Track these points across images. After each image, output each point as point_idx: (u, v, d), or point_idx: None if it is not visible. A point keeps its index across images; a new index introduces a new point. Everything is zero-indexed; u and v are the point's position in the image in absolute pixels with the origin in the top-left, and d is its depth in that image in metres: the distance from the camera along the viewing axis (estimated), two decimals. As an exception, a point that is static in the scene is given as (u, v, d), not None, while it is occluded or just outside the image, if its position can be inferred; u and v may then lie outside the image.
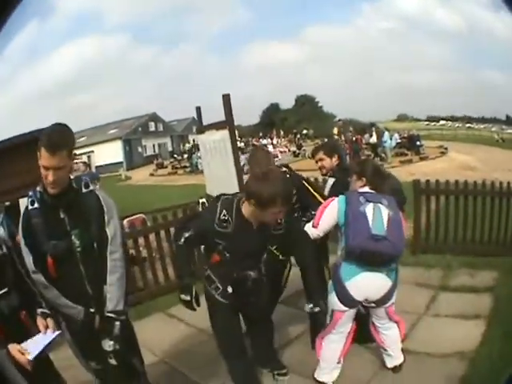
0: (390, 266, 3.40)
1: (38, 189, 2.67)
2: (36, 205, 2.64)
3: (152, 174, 31.27)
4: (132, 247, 5.70)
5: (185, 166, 31.38)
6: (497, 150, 26.74)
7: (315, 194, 3.94)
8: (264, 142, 38.61)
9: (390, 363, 3.81)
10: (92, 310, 2.73)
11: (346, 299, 3.41)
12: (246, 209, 2.96)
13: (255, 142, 38.07)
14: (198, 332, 4.77)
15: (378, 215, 3.29)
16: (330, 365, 3.68)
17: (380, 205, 3.33)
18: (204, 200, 7.59)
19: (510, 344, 3.86)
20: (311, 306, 3.24)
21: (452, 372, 3.71)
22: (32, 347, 2.25)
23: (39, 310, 2.45)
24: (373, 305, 3.51)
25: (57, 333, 2.42)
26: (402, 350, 3.84)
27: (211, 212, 3.03)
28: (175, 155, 36.41)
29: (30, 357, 2.19)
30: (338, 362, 3.70)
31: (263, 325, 3.64)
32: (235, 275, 3.09)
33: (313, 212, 3.71)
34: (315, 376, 3.72)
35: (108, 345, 2.65)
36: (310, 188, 3.97)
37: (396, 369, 3.79)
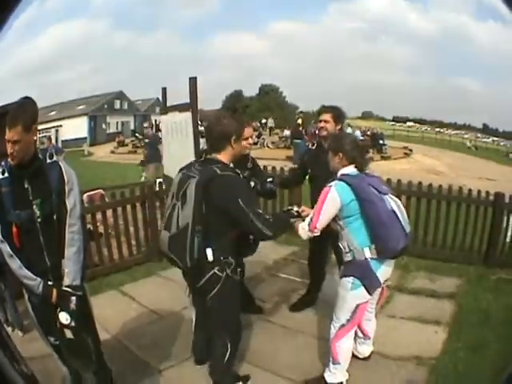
0: None
1: (8, 159, 2.72)
2: (6, 174, 2.71)
3: (113, 152, 30.87)
4: (90, 222, 5.70)
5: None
6: (467, 156, 26.36)
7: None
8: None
9: (368, 351, 3.87)
10: (50, 283, 2.76)
11: (375, 287, 3.37)
12: (223, 159, 3.08)
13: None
14: (149, 312, 4.83)
15: (401, 210, 3.26)
16: (348, 362, 3.55)
17: (392, 196, 3.30)
18: (161, 180, 7.67)
19: (476, 356, 3.85)
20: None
21: (408, 377, 3.70)
22: None
23: None
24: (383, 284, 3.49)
25: None
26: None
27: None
28: (136, 134, 36.04)
29: None
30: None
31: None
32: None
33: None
34: (329, 381, 3.53)
35: (65, 318, 2.70)
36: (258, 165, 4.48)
37: (369, 356, 3.89)
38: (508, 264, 6.16)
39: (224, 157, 3.07)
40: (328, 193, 3.21)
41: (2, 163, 2.74)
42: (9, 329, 4.11)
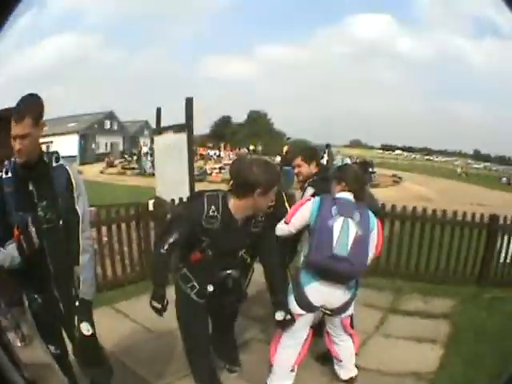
0: (347, 283, 3.38)
1: (13, 159, 2.62)
2: (9, 174, 2.60)
3: (102, 172, 30.80)
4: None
5: (133, 168, 31.18)
6: (457, 183, 26.59)
7: (288, 207, 3.83)
8: (212, 153, 38.82)
9: (345, 375, 3.79)
10: (55, 294, 2.69)
11: (304, 303, 3.37)
12: (235, 204, 2.94)
13: (202, 152, 38.14)
14: (143, 329, 4.77)
15: (344, 234, 3.18)
16: (284, 371, 3.58)
17: (350, 220, 3.21)
18: (153, 201, 7.65)
19: (472, 370, 3.87)
20: (283, 313, 3.24)
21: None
22: None
23: None
24: (328, 312, 3.48)
25: None
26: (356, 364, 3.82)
27: (198, 208, 2.94)
28: (125, 156, 36.15)
29: None
30: (292, 370, 3.59)
31: (230, 323, 3.76)
32: (216, 274, 3.07)
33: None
34: (268, 382, 3.64)
35: (86, 329, 2.63)
36: (285, 200, 3.93)
37: (351, 380, 3.79)
38: (502, 283, 6.35)
39: (233, 201, 2.97)
40: (306, 201, 3.46)
41: (6, 162, 2.64)
42: (12, 334, 4.00)
